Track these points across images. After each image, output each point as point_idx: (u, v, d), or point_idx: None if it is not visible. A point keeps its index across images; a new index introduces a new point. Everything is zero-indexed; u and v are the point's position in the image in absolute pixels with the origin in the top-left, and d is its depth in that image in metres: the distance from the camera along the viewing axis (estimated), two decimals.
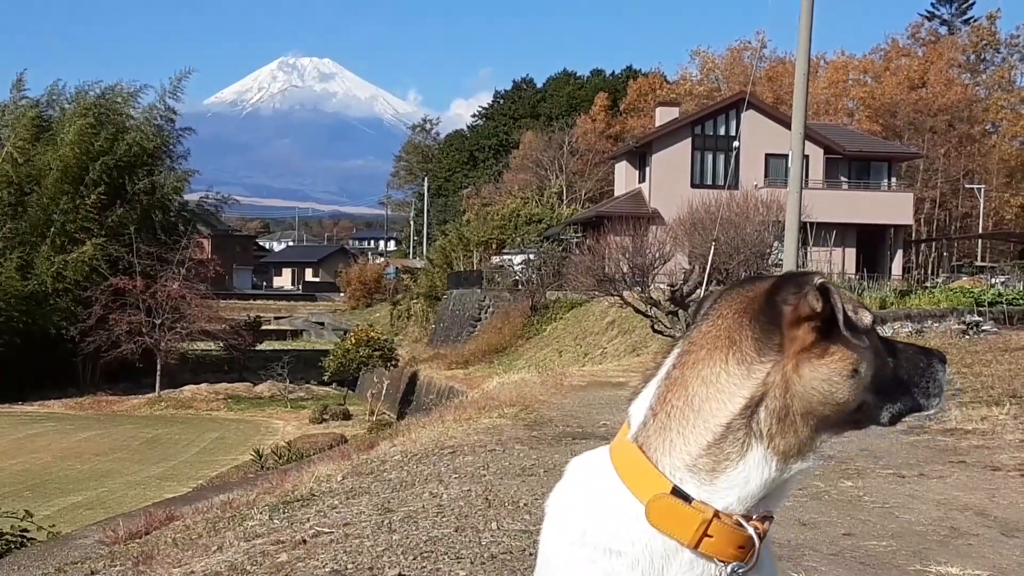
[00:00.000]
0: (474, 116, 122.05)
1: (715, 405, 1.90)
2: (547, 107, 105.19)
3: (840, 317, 1.86)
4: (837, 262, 41.28)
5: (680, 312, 25.90)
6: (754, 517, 1.88)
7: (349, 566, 5.70)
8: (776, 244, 30.42)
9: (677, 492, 1.88)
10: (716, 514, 1.86)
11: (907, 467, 9.22)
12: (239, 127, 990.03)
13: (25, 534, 12.04)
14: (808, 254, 35.91)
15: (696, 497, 1.87)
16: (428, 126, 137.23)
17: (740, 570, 1.86)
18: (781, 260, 26.36)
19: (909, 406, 1.96)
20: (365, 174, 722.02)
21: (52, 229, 53.58)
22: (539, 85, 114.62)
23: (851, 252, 46.28)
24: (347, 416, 41.95)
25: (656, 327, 26.85)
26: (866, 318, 1.91)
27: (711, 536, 1.85)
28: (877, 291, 29.36)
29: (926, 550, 6.24)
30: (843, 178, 50.55)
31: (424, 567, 5.59)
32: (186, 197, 63.71)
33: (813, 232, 35.85)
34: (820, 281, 1.89)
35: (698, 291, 25.41)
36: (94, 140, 55.41)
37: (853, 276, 38.18)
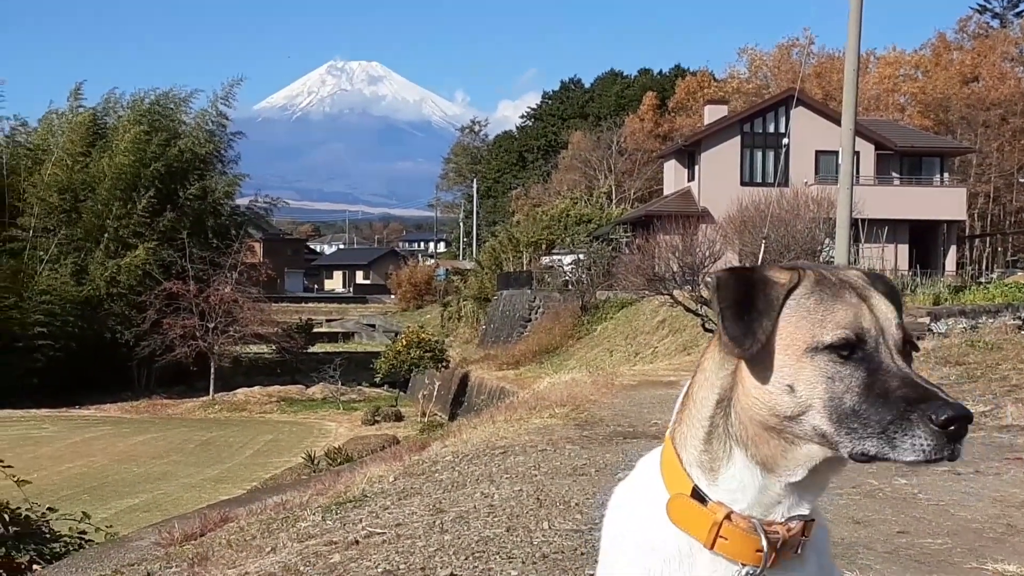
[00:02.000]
0: (522, 117, 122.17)
1: (704, 395, 1.91)
2: (595, 107, 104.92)
3: (719, 325, 1.82)
4: (889, 258, 40.89)
5: None
6: (781, 521, 1.86)
7: (401, 566, 5.73)
8: (827, 241, 30.21)
9: (696, 491, 1.89)
10: (728, 516, 1.85)
11: (962, 464, 9.10)
12: (289, 131, 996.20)
13: (83, 536, 12.17)
14: (860, 251, 35.59)
15: (712, 497, 1.87)
16: (476, 127, 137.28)
17: (755, 573, 1.85)
18: (832, 257, 26.17)
19: (871, 450, 1.76)
20: (414, 176, 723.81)
21: (106, 235, 54.31)
22: (587, 85, 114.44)
23: (903, 248, 45.84)
24: (399, 418, 42.10)
25: (707, 326, 26.74)
26: (825, 337, 1.79)
27: (725, 538, 1.85)
28: (931, 287, 29.06)
29: (982, 548, 6.17)
30: (895, 174, 50.12)
31: (476, 567, 5.60)
32: (237, 202, 64.26)
33: (865, 229, 35.54)
34: (710, 279, 1.88)
35: None
36: (147, 146, 56.04)
37: (906, 272, 37.81)
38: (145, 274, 52.81)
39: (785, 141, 38.62)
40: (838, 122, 27.31)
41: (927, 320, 21.28)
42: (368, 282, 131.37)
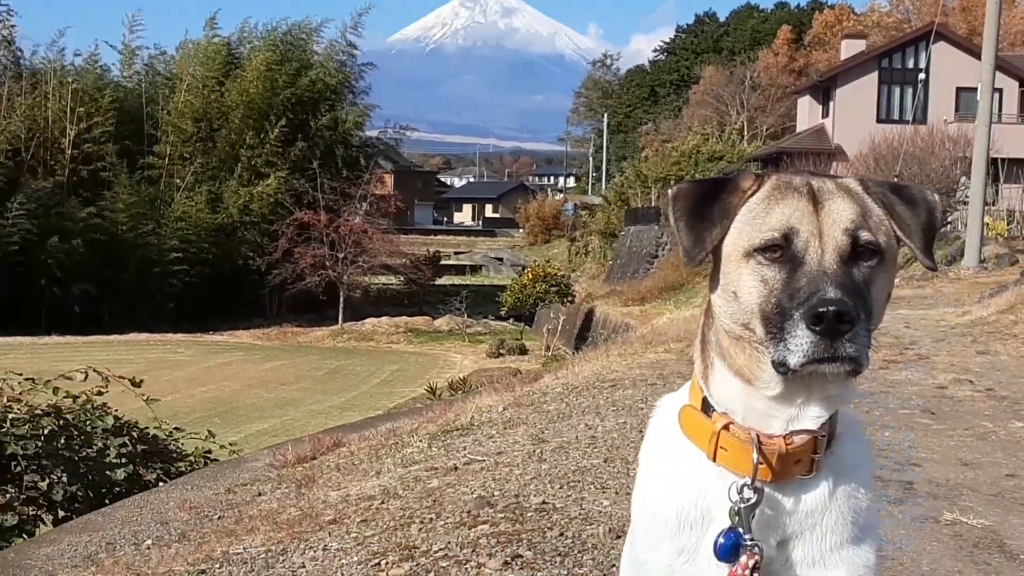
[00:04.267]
0: (655, 51, 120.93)
1: (706, 306, 1.90)
2: (729, 41, 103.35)
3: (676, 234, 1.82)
4: None
5: None
6: (779, 434, 1.79)
7: (496, 493, 5.77)
8: (964, 180, 29.38)
9: (705, 403, 1.86)
10: (727, 426, 1.81)
11: None
12: (423, 63, 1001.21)
13: (208, 455, 12.51)
14: (999, 191, 34.51)
15: (716, 408, 1.84)
16: (608, 62, 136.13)
17: (749, 484, 1.79)
18: (967, 197, 25.43)
19: (778, 356, 1.68)
20: (546, 110, 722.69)
21: (239, 164, 55.24)
22: (722, 19, 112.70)
23: None
24: (523, 351, 42.19)
25: None
26: (756, 240, 1.75)
27: (725, 449, 1.81)
28: None
29: None
30: None
31: (569, 495, 5.62)
32: (368, 133, 64.74)
33: (1004, 168, 34.45)
34: (670, 190, 1.87)
35: None
36: (278, 76, 56.76)
37: None
38: (277, 203, 53.62)
39: (921, 76, 37.46)
40: (980, 58, 26.42)
41: None
42: (497, 216, 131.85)
